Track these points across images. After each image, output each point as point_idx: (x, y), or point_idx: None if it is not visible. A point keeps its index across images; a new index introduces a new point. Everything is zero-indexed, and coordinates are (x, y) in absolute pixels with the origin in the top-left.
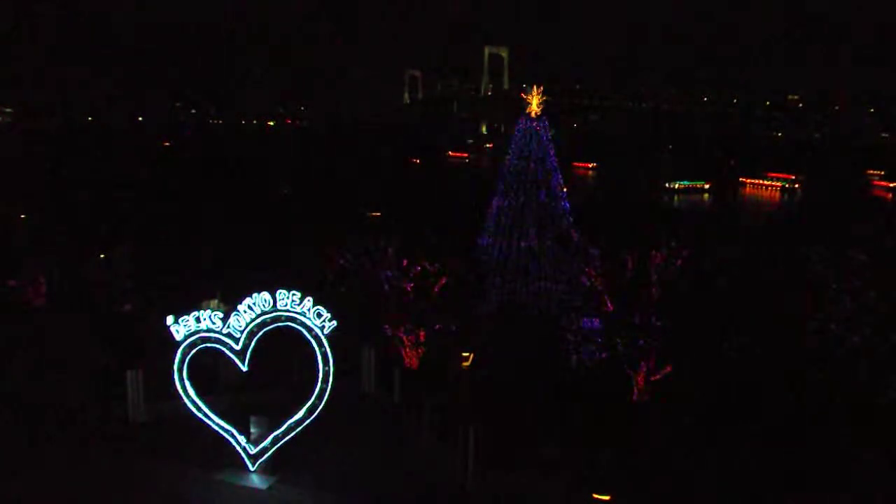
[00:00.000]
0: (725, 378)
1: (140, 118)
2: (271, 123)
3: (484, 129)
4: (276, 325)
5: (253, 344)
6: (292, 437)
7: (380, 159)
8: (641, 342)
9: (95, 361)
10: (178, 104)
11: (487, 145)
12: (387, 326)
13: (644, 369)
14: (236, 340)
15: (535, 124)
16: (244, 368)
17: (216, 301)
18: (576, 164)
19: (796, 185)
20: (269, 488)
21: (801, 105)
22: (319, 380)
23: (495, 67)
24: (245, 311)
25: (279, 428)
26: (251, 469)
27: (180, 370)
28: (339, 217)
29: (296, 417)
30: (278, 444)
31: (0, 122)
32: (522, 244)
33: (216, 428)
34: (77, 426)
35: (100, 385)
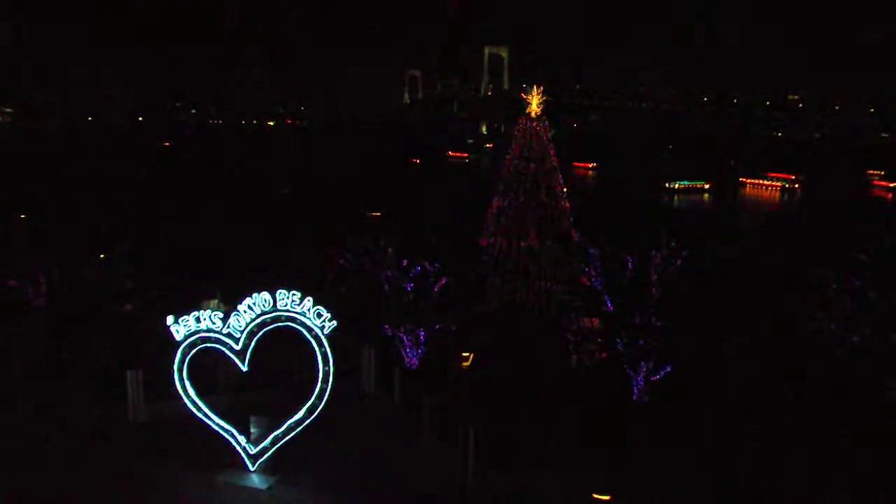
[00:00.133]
0: (725, 378)
1: (140, 118)
2: (271, 123)
3: (484, 129)
4: (276, 325)
5: (253, 344)
6: (292, 437)
7: (380, 159)
8: (641, 342)
9: (95, 361)
10: (178, 104)
11: (487, 145)
12: (387, 326)
13: (644, 369)
14: (236, 340)
15: (535, 124)
16: (244, 368)
17: (216, 301)
18: (576, 164)
19: (796, 185)
20: (269, 488)
21: (801, 105)
22: (319, 380)
23: (495, 67)
24: (245, 311)
25: (279, 428)
26: (251, 469)
27: (180, 370)
28: (339, 217)
29: (296, 417)
30: (278, 444)
31: (0, 122)
32: (522, 244)
33: (216, 428)
34: (77, 426)
35: (100, 385)
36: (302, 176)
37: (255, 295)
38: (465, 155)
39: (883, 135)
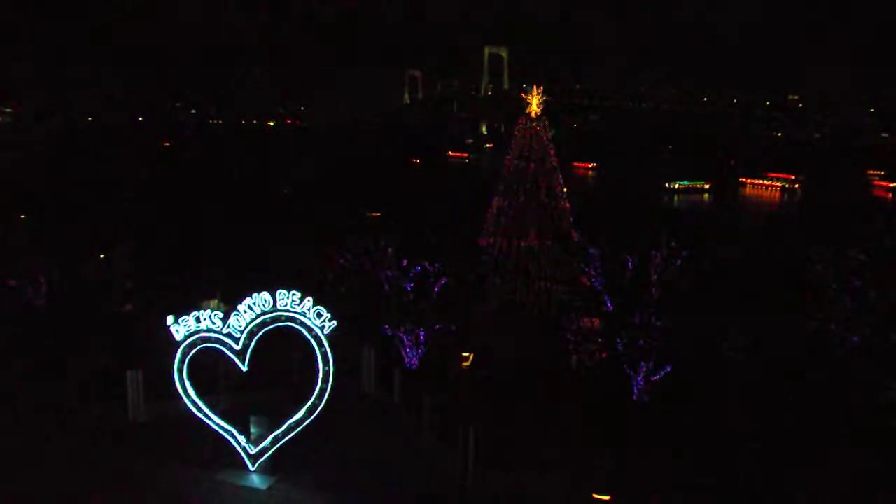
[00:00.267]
0: (725, 378)
1: (140, 118)
2: (271, 123)
3: (484, 129)
4: (276, 325)
5: (253, 344)
6: (292, 437)
7: (380, 159)
8: (641, 342)
9: (95, 361)
10: (178, 104)
11: (487, 145)
12: (387, 326)
13: (644, 369)
14: (236, 340)
15: (535, 124)
16: (244, 368)
17: (216, 301)
18: (576, 164)
19: (796, 185)
20: (269, 488)
21: (801, 105)
22: (319, 380)
23: (495, 67)
24: (245, 311)
25: (279, 428)
26: (251, 469)
27: (180, 370)
28: (339, 217)
29: (296, 417)
30: (278, 444)
31: (0, 122)
32: (522, 244)
33: (216, 428)
34: (77, 426)
35: (100, 385)
36: (302, 176)
37: (255, 295)
38: (465, 155)
39: (883, 135)
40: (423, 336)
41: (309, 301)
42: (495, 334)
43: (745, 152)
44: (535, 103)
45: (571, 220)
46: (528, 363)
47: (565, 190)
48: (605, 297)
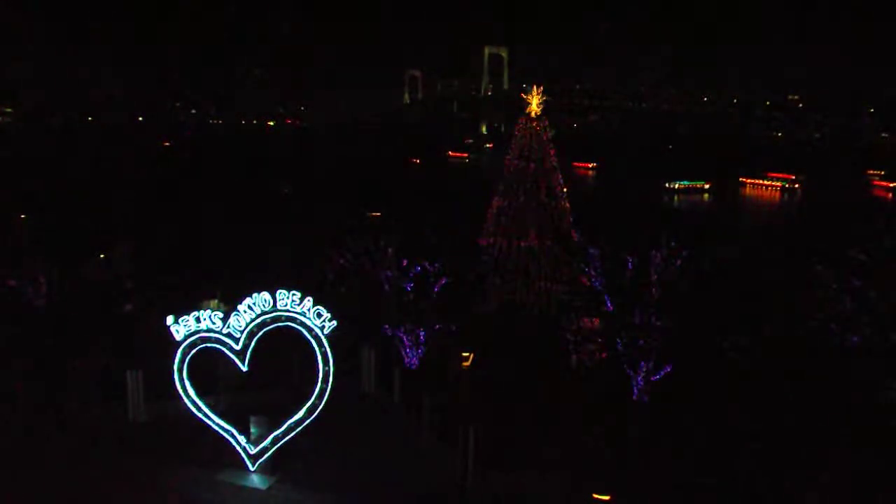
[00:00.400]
0: (725, 378)
1: (140, 118)
2: (271, 123)
3: (484, 129)
4: (276, 325)
5: (253, 344)
6: (292, 437)
7: (380, 159)
8: (641, 342)
9: (95, 361)
10: (178, 104)
11: (487, 145)
12: (387, 326)
13: (644, 369)
14: (236, 340)
15: (535, 124)
16: (244, 368)
17: (216, 301)
18: (576, 164)
19: (796, 185)
20: (269, 488)
21: (801, 105)
22: (319, 380)
23: (495, 67)
24: (245, 311)
25: (279, 428)
26: (251, 469)
27: (180, 370)
28: (339, 217)
29: (296, 417)
30: (278, 444)
31: (0, 122)
32: (522, 244)
33: (216, 428)
34: (77, 426)
35: (100, 385)
36: (302, 176)
37: (255, 295)
38: (465, 155)
39: (883, 135)
40: (423, 336)
41: (309, 301)
42: (495, 334)
43: (745, 152)
44: (535, 103)
45: (571, 220)
46: (528, 363)
47: (565, 190)
48: (605, 297)
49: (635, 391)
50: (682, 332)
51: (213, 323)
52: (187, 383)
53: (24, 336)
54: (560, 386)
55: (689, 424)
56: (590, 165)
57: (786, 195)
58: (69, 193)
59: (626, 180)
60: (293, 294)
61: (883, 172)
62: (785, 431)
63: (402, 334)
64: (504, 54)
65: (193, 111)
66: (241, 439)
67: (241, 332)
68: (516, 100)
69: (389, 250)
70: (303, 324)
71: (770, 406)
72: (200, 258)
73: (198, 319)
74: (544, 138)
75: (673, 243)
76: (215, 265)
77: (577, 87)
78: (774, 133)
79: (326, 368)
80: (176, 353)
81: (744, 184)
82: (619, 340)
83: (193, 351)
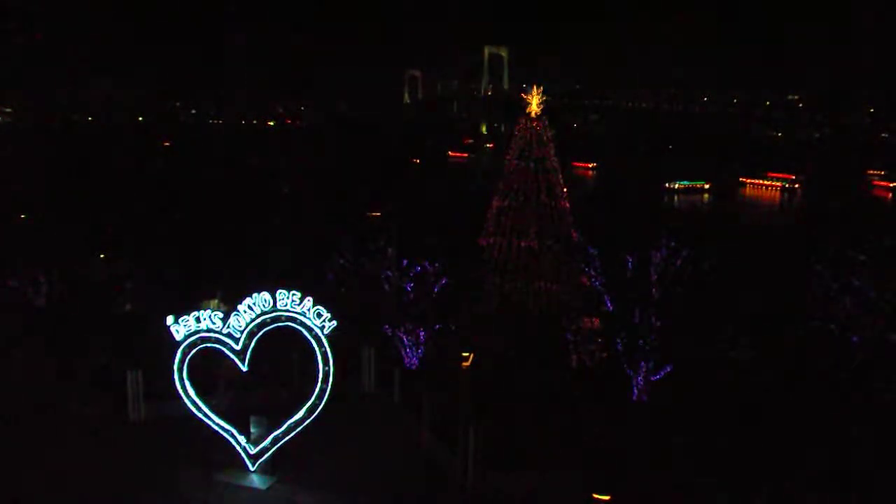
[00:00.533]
0: (725, 378)
1: (140, 118)
2: (271, 123)
3: (484, 129)
4: (276, 325)
5: (253, 344)
6: (292, 437)
7: (380, 159)
8: (641, 342)
9: (95, 361)
10: (178, 104)
11: (488, 145)
12: (387, 326)
13: (644, 369)
14: (236, 340)
15: (535, 124)
16: (244, 368)
17: (216, 301)
18: (576, 163)
19: (796, 185)
20: (269, 488)
21: (800, 105)
22: (319, 380)
23: (495, 67)
24: (245, 311)
25: (279, 428)
26: (251, 469)
27: (180, 370)
28: (339, 217)
29: (296, 417)
30: (278, 444)
31: (0, 122)
32: (522, 244)
33: (216, 428)
34: (77, 426)
35: (100, 385)
36: (302, 176)
37: (255, 295)
38: (465, 155)
39: (883, 135)
40: (423, 336)
41: (309, 301)
42: (495, 334)
43: (745, 152)
44: (535, 103)
45: (571, 220)
46: (528, 363)
47: (565, 190)
48: (605, 297)
49: (635, 391)
50: (682, 333)
51: (213, 323)
52: (187, 383)
53: (25, 336)
54: (560, 386)
55: (689, 425)
56: (590, 165)
57: (786, 195)
58: (69, 193)
59: (626, 180)
60: (293, 294)
61: (883, 172)
62: (785, 431)
63: (402, 334)
64: (504, 54)
65: (193, 111)
66: (241, 439)
67: (241, 332)
68: (516, 100)
69: (389, 250)
70: (303, 324)
71: (770, 406)
72: (200, 258)
73: (198, 319)
74: (544, 138)
75: (673, 243)
76: (215, 265)
77: (577, 87)
78: (774, 133)
79: (326, 368)
80: (176, 353)
81: (744, 184)
82: (619, 340)
83: (193, 351)
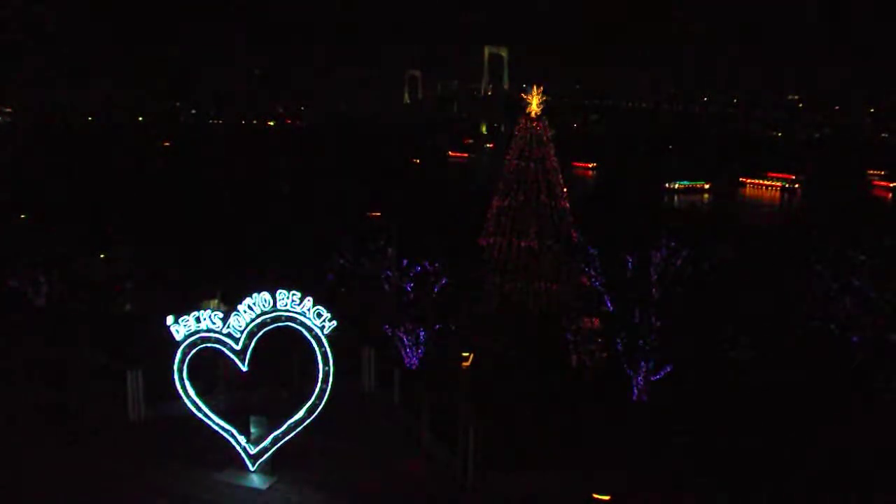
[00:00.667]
0: (725, 378)
1: (140, 118)
2: (271, 123)
3: (484, 129)
4: (276, 325)
5: (253, 344)
6: (292, 437)
7: (380, 159)
8: (641, 342)
9: (95, 361)
10: (178, 104)
11: (488, 145)
12: (387, 326)
13: (644, 369)
14: (236, 340)
15: (535, 124)
16: (244, 368)
17: (216, 301)
18: (576, 163)
19: (796, 186)
20: (269, 488)
21: (800, 105)
22: (319, 380)
23: (495, 67)
24: (245, 311)
25: (279, 428)
26: (251, 469)
27: (180, 370)
28: (339, 217)
29: (296, 417)
30: (278, 444)
31: (0, 122)
32: (522, 244)
33: (216, 428)
34: (77, 426)
35: (100, 385)
36: (302, 176)
37: (255, 295)
38: (465, 155)
39: (883, 135)
40: (423, 336)
41: (309, 301)
42: (495, 334)
43: (745, 152)
44: (535, 103)
45: (571, 220)
46: (528, 363)
47: (565, 190)
48: (605, 297)
49: (635, 391)
50: (682, 333)
51: (213, 323)
52: (187, 383)
53: (24, 336)
54: (560, 386)
55: (689, 424)
56: (590, 165)
57: (786, 195)
58: (69, 193)
59: (626, 180)
60: (293, 294)
61: (883, 172)
62: (785, 431)
63: (402, 334)
64: (504, 54)
65: (193, 111)
66: (241, 439)
67: (241, 332)
68: (516, 100)
69: (389, 250)
70: (303, 324)
71: (770, 406)
72: (200, 258)
73: (198, 319)
74: (544, 138)
75: (673, 243)
76: (215, 265)
77: (578, 87)
78: (774, 133)
79: (326, 368)
80: (176, 353)
81: (744, 184)
82: (619, 340)
83: (193, 351)
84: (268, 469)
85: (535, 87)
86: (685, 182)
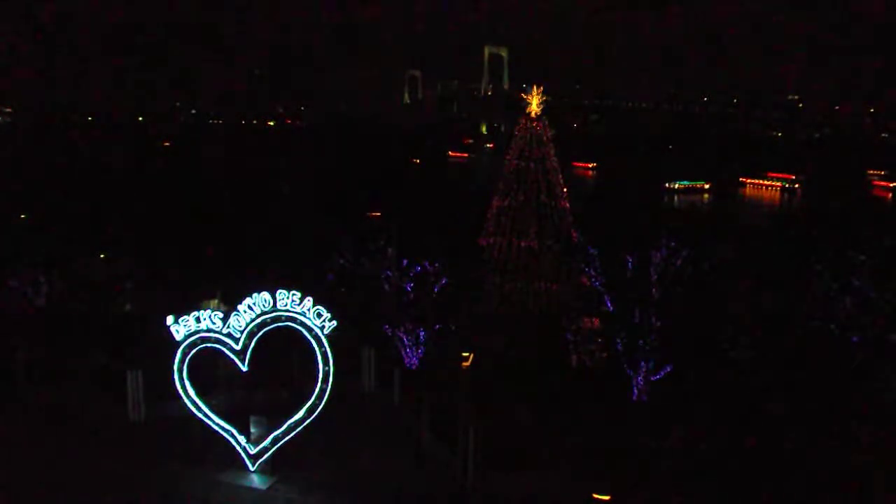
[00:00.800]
0: (725, 378)
1: (140, 118)
2: (271, 123)
3: (484, 129)
4: (276, 325)
5: (253, 344)
6: (292, 437)
7: (380, 159)
8: (641, 342)
9: (95, 361)
10: (178, 104)
11: (488, 145)
12: (387, 326)
13: (644, 369)
14: (236, 340)
15: (535, 124)
16: (244, 368)
17: (216, 301)
18: (576, 163)
19: (796, 186)
20: (269, 488)
21: (801, 105)
22: (319, 380)
23: (495, 67)
24: (245, 311)
25: (279, 428)
26: (251, 469)
27: (180, 370)
28: (339, 217)
29: (296, 417)
30: (278, 444)
31: (0, 122)
32: (522, 244)
33: (216, 428)
34: (77, 426)
35: (100, 385)
36: (302, 176)
37: (255, 295)
38: (465, 155)
39: (883, 135)
40: (423, 336)
41: (309, 301)
42: (495, 334)
43: (745, 152)
44: (535, 103)
45: (571, 220)
46: (528, 363)
47: (565, 190)
48: (605, 297)
49: (635, 391)
50: (681, 332)
51: (213, 323)
52: (187, 383)
53: (24, 336)
54: (560, 386)
55: (690, 425)
56: (590, 165)
57: (786, 195)
58: (70, 193)
59: (626, 180)
60: (293, 294)
61: (883, 172)
62: (785, 431)
63: (402, 334)
64: (504, 54)
65: (193, 111)
66: (241, 439)
67: (241, 332)
68: (516, 100)
69: (389, 250)
70: (303, 324)
71: (770, 406)
72: (200, 258)
73: (198, 319)
74: (544, 138)
75: (673, 243)
76: (215, 265)
77: (577, 87)
78: (774, 133)
79: (326, 368)
80: (176, 353)
81: (744, 184)
82: (619, 340)
83: (193, 351)
84: (268, 469)
85: (535, 87)
86: (685, 182)
